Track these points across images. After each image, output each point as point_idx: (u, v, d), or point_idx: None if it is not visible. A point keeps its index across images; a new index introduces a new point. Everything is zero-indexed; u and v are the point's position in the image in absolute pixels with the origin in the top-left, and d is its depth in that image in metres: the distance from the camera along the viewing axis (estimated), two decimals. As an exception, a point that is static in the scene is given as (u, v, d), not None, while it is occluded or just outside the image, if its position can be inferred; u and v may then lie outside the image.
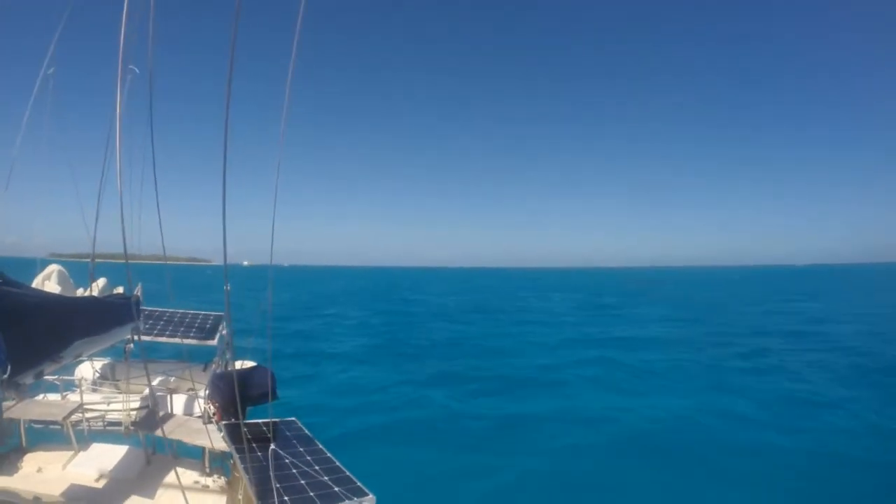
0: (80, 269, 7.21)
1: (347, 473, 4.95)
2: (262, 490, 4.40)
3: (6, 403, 5.73)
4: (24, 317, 3.30)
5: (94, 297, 6.04)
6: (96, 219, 7.09)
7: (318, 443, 5.65)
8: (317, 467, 5.06)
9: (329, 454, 5.35)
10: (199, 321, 9.59)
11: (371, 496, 4.56)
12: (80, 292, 6.73)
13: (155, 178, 5.73)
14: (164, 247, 5.86)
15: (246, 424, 5.83)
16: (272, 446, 4.99)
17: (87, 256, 7.15)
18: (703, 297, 77.48)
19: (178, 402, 7.50)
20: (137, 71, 7.43)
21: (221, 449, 6.10)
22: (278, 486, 4.53)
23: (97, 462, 5.94)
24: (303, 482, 4.74)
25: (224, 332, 9.22)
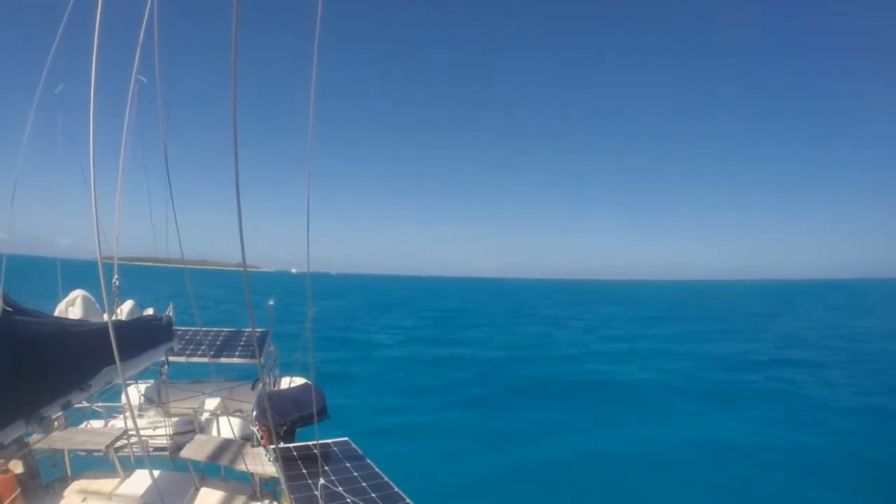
0: (129, 273, 6.94)
1: (408, 501, 4.46)
2: None
3: (36, 437, 5.51)
4: (42, 347, 3.06)
5: (120, 320, 5.77)
6: (116, 238, 6.80)
7: (374, 465, 5.20)
8: (373, 494, 4.60)
9: (386, 478, 4.89)
10: (243, 339, 9.31)
11: None
12: (105, 318, 6.46)
13: (170, 184, 5.52)
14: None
15: (296, 447, 5.46)
16: (321, 481, 4.54)
17: (137, 260, 6.99)
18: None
19: (224, 425, 7.20)
20: (145, 80, 7.22)
21: (271, 474, 5.75)
22: None
23: (143, 488, 5.71)
24: None
25: (270, 347, 8.91)
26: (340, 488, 4.66)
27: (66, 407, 3.39)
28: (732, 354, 33.02)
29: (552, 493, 12.47)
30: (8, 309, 2.68)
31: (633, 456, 14.75)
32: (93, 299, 5.73)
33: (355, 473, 5.06)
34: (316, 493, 4.45)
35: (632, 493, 12.34)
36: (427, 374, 26.03)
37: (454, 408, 20.17)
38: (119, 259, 6.34)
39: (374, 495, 4.59)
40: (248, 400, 7.78)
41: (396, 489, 4.69)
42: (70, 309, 5.59)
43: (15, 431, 2.77)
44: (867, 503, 12.16)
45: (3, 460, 5.71)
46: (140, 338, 5.01)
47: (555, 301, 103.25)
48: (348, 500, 4.48)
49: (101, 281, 3.05)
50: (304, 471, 5.03)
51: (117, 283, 6.47)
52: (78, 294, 5.62)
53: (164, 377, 7.35)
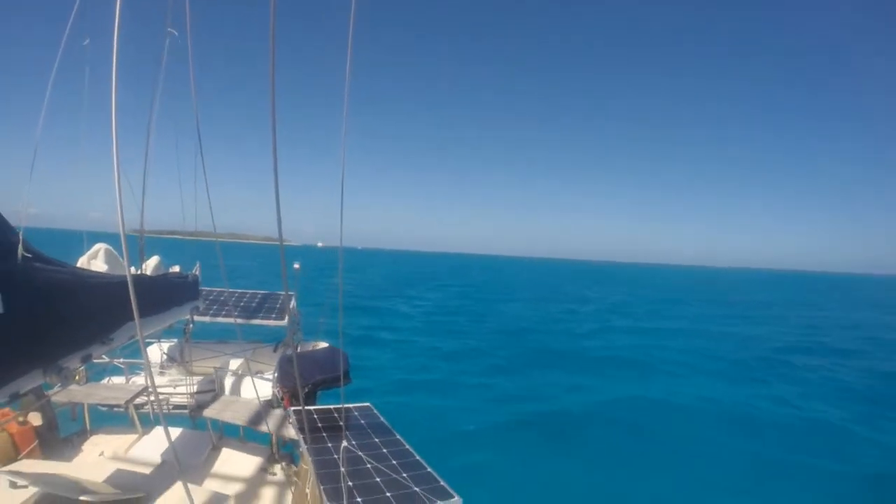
0: (153, 245, 6.88)
1: (429, 470, 4.27)
2: (332, 489, 3.78)
3: (55, 389, 5.48)
4: (63, 296, 2.92)
5: (146, 275, 5.63)
6: (143, 190, 6.69)
7: (395, 433, 5.02)
8: (394, 462, 4.42)
9: (408, 446, 4.70)
10: (268, 301, 9.22)
11: (457, 498, 3.85)
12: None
13: (202, 155, 5.30)
14: (213, 224, 5.42)
15: (316, 411, 5.32)
16: (344, 442, 4.37)
17: (167, 233, 6.89)
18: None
19: (246, 386, 7.13)
20: (176, 33, 6.98)
21: (290, 436, 5.64)
22: (350, 484, 3.90)
23: (161, 446, 5.65)
24: (378, 480, 4.10)
25: (294, 311, 8.80)
26: (361, 453, 4.50)
27: (87, 360, 3.26)
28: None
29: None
30: (28, 255, 2.53)
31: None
32: (116, 253, 5.60)
33: (376, 439, 4.90)
34: (336, 456, 4.29)
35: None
36: (449, 341, 26.42)
37: (472, 371, 20.60)
38: (146, 231, 6.19)
39: (394, 462, 4.42)
40: (270, 362, 7.68)
41: (418, 457, 4.51)
42: (93, 262, 5.45)
43: (32, 381, 2.66)
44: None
45: (22, 411, 5.72)
46: (165, 294, 4.83)
47: (579, 280, 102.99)
48: (368, 464, 4.32)
49: (122, 232, 2.87)
50: (325, 434, 4.89)
51: (143, 240, 6.39)
52: (101, 247, 5.48)
53: (187, 336, 7.28)
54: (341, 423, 5.14)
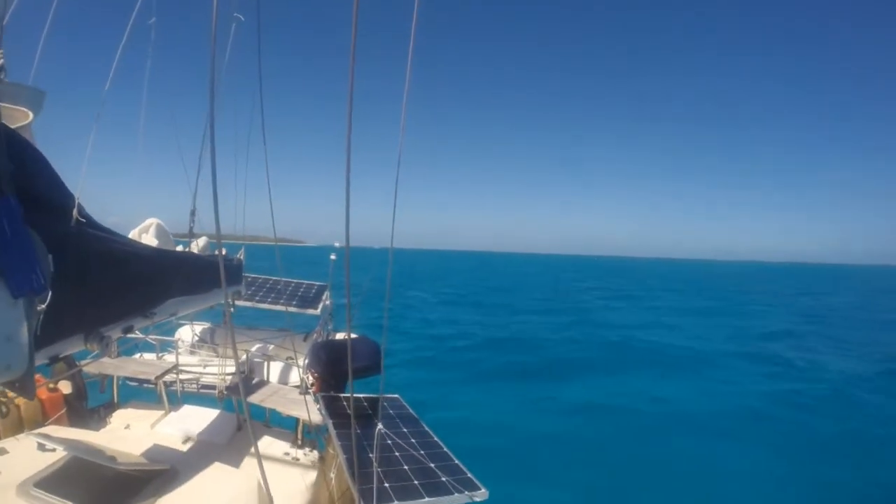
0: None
1: (457, 462, 4.30)
2: (360, 472, 3.85)
3: (89, 359, 5.59)
4: (112, 265, 2.89)
5: (194, 253, 5.75)
6: (198, 173, 6.88)
7: (423, 424, 5.04)
8: (422, 452, 4.44)
9: (436, 438, 4.72)
10: (301, 290, 9.37)
11: (483, 490, 3.86)
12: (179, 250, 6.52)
13: (266, 148, 5.42)
14: (273, 226, 5.54)
15: (345, 398, 5.39)
16: (376, 428, 4.44)
17: (184, 235, 7.01)
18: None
19: (274, 370, 7.23)
20: (243, 19, 7.16)
21: (316, 422, 5.71)
22: (378, 468, 3.96)
23: (186, 423, 5.70)
24: (406, 467, 4.14)
25: (327, 301, 8.92)
26: (389, 441, 4.56)
27: (128, 331, 3.28)
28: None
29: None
30: (82, 220, 2.57)
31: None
32: (167, 229, 5.71)
33: (404, 429, 4.93)
34: (364, 442, 4.36)
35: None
36: (470, 337, 26.84)
37: (492, 360, 21.00)
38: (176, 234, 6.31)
39: (422, 453, 4.45)
40: (300, 350, 7.81)
41: (446, 449, 4.53)
42: (143, 236, 5.54)
43: (73, 346, 2.63)
44: None
45: (53, 378, 5.80)
46: (210, 275, 4.90)
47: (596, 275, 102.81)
48: (397, 452, 4.37)
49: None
50: (354, 421, 4.96)
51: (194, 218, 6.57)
52: (152, 222, 5.54)
53: (227, 318, 7.40)
54: (370, 412, 5.20)
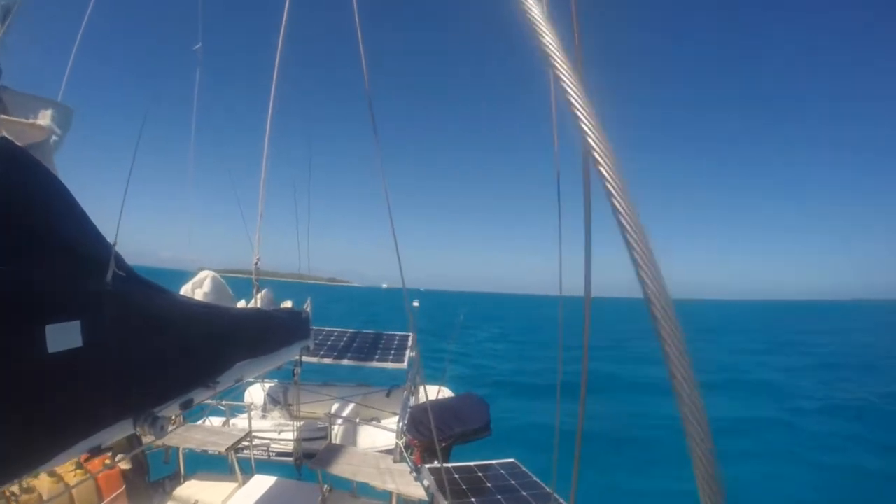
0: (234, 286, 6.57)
1: None
2: None
3: (146, 439, 4.98)
4: (164, 327, 2.27)
5: (259, 309, 5.03)
6: (259, 219, 6.41)
7: (548, 488, 4.13)
8: None
9: None
10: (383, 341, 8.54)
11: None
12: (241, 305, 5.92)
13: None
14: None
15: (455, 469, 4.50)
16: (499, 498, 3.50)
17: (236, 272, 6.47)
18: None
19: (361, 434, 6.41)
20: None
21: (418, 497, 4.83)
22: None
23: (262, 497, 4.99)
24: None
25: (412, 353, 8.04)
26: None
27: (187, 407, 2.58)
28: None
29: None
30: (121, 273, 1.87)
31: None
32: (223, 282, 5.06)
33: (525, 500, 4.04)
34: None
35: None
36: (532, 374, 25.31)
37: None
38: (220, 270, 5.77)
39: None
40: (382, 407, 6.96)
41: None
42: (197, 291, 4.92)
43: (119, 432, 1.99)
44: None
45: (110, 454, 5.25)
46: (279, 331, 4.23)
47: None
48: None
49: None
50: (469, 496, 4.06)
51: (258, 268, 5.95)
52: (207, 275, 4.88)
53: (296, 378, 6.69)
54: (488, 485, 4.29)
